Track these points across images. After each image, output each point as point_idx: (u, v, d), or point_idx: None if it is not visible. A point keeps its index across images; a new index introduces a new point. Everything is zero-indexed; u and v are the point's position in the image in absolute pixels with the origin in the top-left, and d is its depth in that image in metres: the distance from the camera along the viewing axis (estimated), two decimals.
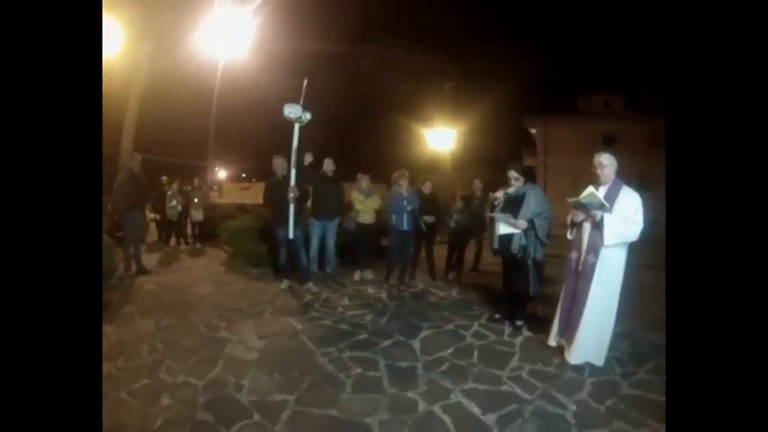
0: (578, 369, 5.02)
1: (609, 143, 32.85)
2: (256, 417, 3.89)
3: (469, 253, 10.20)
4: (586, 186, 5.36)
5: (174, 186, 14.36)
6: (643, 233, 5.01)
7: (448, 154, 29.94)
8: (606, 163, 5.31)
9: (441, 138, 29.38)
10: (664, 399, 4.20)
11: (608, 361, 5.19)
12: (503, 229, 6.16)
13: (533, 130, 36.93)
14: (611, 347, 5.37)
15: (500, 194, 6.43)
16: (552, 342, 5.55)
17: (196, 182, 15.65)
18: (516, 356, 5.40)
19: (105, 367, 4.68)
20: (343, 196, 9.18)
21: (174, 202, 13.87)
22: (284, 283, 8.23)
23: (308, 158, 8.53)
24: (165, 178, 14.91)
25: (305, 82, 7.78)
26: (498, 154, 32.38)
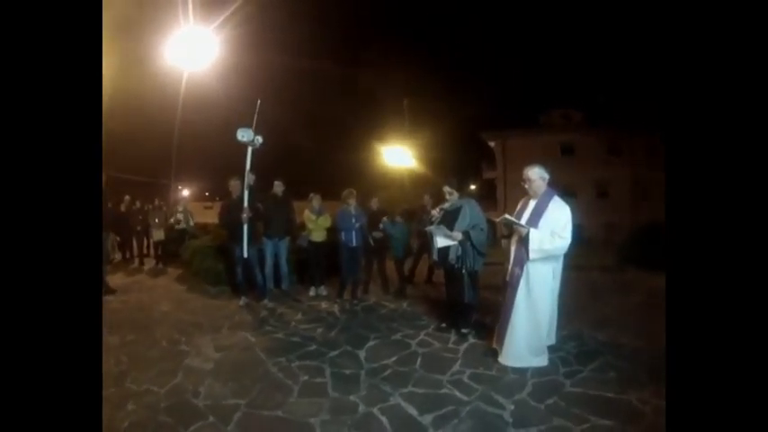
0: (521, 371, 5.26)
1: (567, 153, 33.60)
2: (211, 418, 4.24)
3: (423, 266, 10.59)
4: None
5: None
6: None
7: (405, 170, 30.16)
8: (533, 177, 5.46)
9: (397, 154, 29.55)
10: (607, 395, 4.55)
11: (553, 361, 5.46)
12: (440, 241, 6.48)
13: (492, 144, 37.43)
14: (558, 348, 5.72)
15: (436, 211, 6.77)
16: (495, 345, 5.76)
17: (157, 201, 15.80)
18: (458, 362, 5.64)
19: None
20: (293, 216, 9.48)
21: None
22: (242, 301, 8.54)
23: (251, 179, 8.92)
24: (127, 197, 14.93)
25: (257, 105, 8.09)
26: (458, 168, 32.88)
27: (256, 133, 7.93)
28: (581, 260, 8.85)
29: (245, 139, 7.84)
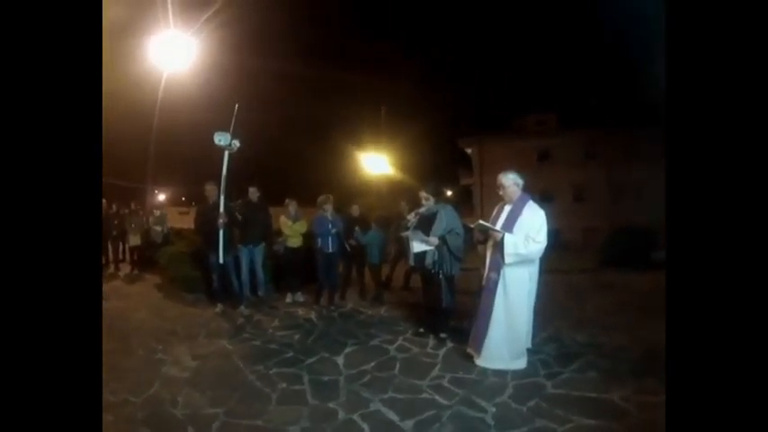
0: (501, 374, 5.28)
1: (544, 158, 33.96)
2: (190, 429, 4.19)
3: (400, 272, 10.61)
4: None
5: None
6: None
7: (383, 176, 30.26)
8: (507, 183, 5.57)
9: (375, 160, 29.71)
10: (589, 394, 4.59)
11: (533, 364, 5.49)
12: (417, 246, 6.52)
13: (469, 150, 37.67)
14: (538, 350, 5.75)
15: (412, 216, 6.82)
16: (469, 349, 5.80)
17: (133, 205, 15.57)
18: (438, 366, 5.66)
19: None
20: (270, 222, 9.46)
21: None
22: (218, 308, 8.44)
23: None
24: (103, 201, 14.59)
25: (235, 109, 8.07)
26: (435, 175, 33.06)
27: (233, 137, 7.88)
28: (559, 263, 8.89)
29: (222, 143, 7.81)
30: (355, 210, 9.82)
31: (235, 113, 8.06)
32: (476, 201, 35.71)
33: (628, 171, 31.47)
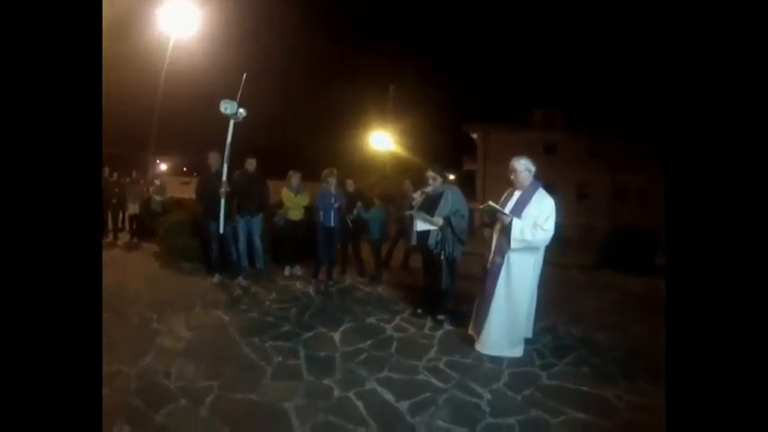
0: (497, 361, 5.27)
1: (550, 153, 33.87)
2: (183, 401, 4.13)
3: (399, 251, 10.59)
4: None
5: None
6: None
7: (388, 155, 30.20)
8: (520, 168, 5.50)
9: (381, 139, 29.65)
10: (582, 388, 4.57)
11: (528, 353, 5.47)
12: (420, 225, 6.45)
13: (474, 136, 37.58)
14: (533, 341, 5.72)
15: (418, 194, 6.72)
16: (471, 332, 5.79)
17: (134, 174, 15.51)
18: (434, 348, 5.63)
19: None
20: (267, 193, 9.32)
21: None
22: (216, 278, 8.44)
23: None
24: (106, 169, 14.32)
25: (243, 78, 7.99)
26: (439, 156, 32.99)
27: (240, 106, 7.80)
28: (559, 258, 8.83)
29: (228, 112, 7.75)
30: (350, 185, 9.74)
31: (242, 83, 7.98)
32: (478, 187, 35.64)
33: (632, 172, 31.53)
